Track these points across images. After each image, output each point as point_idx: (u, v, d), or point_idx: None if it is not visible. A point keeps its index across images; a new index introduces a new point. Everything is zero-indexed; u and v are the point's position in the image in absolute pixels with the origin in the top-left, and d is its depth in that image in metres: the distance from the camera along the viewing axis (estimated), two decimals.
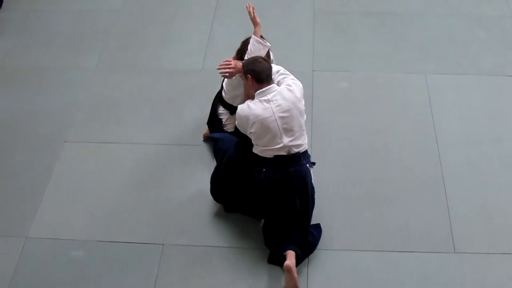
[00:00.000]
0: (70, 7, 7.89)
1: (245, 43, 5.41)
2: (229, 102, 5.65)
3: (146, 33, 7.45)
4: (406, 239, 5.26)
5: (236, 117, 4.99)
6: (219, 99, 5.78)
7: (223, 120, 5.78)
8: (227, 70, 5.09)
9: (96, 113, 6.44)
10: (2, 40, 7.44)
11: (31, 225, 5.45)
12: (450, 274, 5.02)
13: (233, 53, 5.59)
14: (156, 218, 5.47)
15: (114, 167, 5.91)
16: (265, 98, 4.85)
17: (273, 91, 4.86)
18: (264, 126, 4.83)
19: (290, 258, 4.93)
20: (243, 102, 5.14)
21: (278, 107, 4.81)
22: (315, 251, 5.17)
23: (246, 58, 5.20)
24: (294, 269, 4.87)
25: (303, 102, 4.95)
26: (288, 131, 4.85)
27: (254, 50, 5.26)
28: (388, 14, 7.54)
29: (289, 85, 4.90)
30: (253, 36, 5.29)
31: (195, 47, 7.17)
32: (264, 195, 5.06)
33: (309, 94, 6.39)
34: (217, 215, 5.47)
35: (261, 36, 5.37)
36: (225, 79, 5.60)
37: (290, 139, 4.86)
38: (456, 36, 7.20)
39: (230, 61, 5.12)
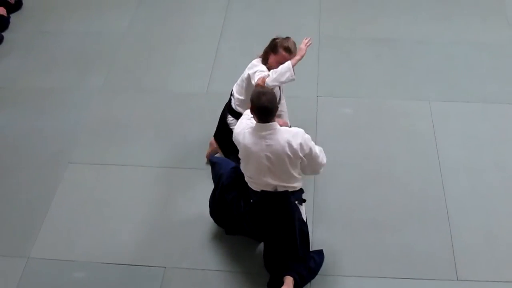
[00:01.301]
0: (76, 28, 7.94)
1: (275, 41, 5.34)
2: (237, 110, 5.62)
3: (152, 55, 7.48)
4: (409, 265, 5.24)
5: (234, 131, 4.90)
6: (228, 109, 5.76)
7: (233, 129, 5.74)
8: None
9: (101, 135, 6.45)
10: (8, 60, 7.48)
11: (33, 245, 5.44)
12: None
13: (238, 77, 5.60)
14: (158, 241, 5.46)
15: (117, 189, 5.91)
16: (261, 133, 4.69)
17: (271, 129, 4.67)
18: (251, 158, 4.73)
19: (287, 284, 4.93)
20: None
21: (268, 146, 4.66)
22: (318, 277, 5.15)
23: (270, 74, 5.16)
24: None
25: (302, 155, 4.69)
26: (273, 173, 4.72)
27: (280, 71, 5.12)
28: (393, 41, 7.58)
29: (292, 131, 4.72)
30: (290, 61, 5.15)
31: (200, 70, 7.21)
32: (250, 225, 5.04)
33: (313, 120, 6.42)
34: (219, 238, 5.46)
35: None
36: (234, 87, 5.59)
37: (273, 179, 4.75)
38: (460, 63, 7.23)
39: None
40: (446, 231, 5.49)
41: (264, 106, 4.61)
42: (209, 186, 5.76)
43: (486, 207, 5.69)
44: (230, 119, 5.75)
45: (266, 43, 5.43)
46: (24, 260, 5.34)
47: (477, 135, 6.35)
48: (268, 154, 4.66)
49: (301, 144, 4.66)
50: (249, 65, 5.43)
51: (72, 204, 5.79)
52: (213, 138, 6.02)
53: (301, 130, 4.75)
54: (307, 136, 4.73)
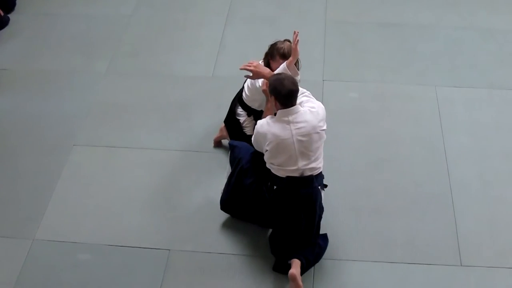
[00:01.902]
0: (81, 11, 7.92)
1: (272, 47, 5.37)
2: (248, 104, 5.65)
3: (157, 39, 7.47)
4: (413, 251, 5.25)
5: (254, 132, 4.92)
6: (238, 100, 5.77)
7: (241, 120, 5.77)
8: (248, 68, 5.10)
9: (106, 118, 6.45)
10: (14, 42, 7.47)
11: (38, 227, 5.46)
12: (456, 287, 5.00)
13: (244, 61, 5.58)
14: (163, 223, 5.48)
15: (122, 172, 5.92)
16: (286, 118, 4.75)
17: (295, 113, 4.76)
18: (280, 146, 4.76)
19: (295, 266, 4.93)
20: (263, 111, 5.13)
21: (298, 130, 4.73)
22: (322, 261, 5.16)
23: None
24: (298, 277, 4.88)
25: (325, 126, 4.87)
26: (305, 155, 4.78)
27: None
28: (399, 25, 7.54)
29: (313, 108, 4.83)
30: (285, 63, 5.11)
31: (206, 54, 7.19)
32: (271, 211, 5.05)
33: None
34: (224, 222, 5.47)
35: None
36: (247, 80, 5.60)
37: (305, 162, 4.79)
38: (467, 48, 7.20)
39: (253, 62, 5.13)
40: (451, 216, 5.49)
41: (290, 90, 4.71)
42: (215, 169, 5.80)
43: (490, 193, 5.68)
44: (239, 109, 5.77)
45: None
46: (29, 241, 5.36)
47: (483, 121, 6.33)
48: (299, 138, 4.73)
49: (323, 118, 4.85)
50: None
51: (77, 186, 5.80)
52: (223, 124, 6.00)
53: (317, 104, 4.89)
54: (322, 106, 4.92)
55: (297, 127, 4.73)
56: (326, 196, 5.25)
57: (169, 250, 5.27)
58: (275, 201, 4.96)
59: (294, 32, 5.12)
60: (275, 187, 4.94)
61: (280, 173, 4.86)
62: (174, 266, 5.16)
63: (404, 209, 5.55)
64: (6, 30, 7.64)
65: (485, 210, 5.55)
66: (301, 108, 4.80)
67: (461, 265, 5.14)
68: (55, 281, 5.09)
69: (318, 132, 4.78)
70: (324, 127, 4.85)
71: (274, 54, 5.35)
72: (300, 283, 4.87)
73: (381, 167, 5.91)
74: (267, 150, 4.84)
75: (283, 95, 4.71)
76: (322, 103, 6.32)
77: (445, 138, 6.14)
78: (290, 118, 4.74)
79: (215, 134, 6.07)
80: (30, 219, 5.53)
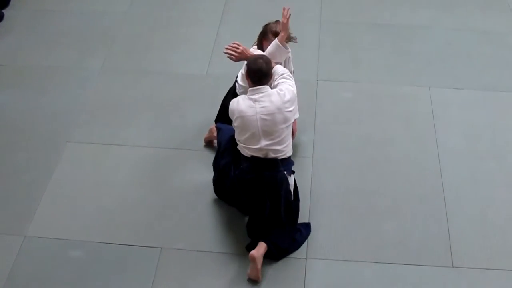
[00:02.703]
0: (77, 8, 7.92)
1: (266, 26, 5.38)
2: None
3: (152, 36, 7.47)
4: (405, 251, 5.25)
5: (229, 108, 5.05)
6: (232, 95, 5.76)
7: None
8: (233, 53, 5.17)
9: (99, 115, 6.44)
10: (8, 38, 7.46)
11: (30, 223, 5.44)
12: None
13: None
14: (155, 221, 5.47)
15: (115, 169, 5.91)
16: (253, 96, 4.90)
17: (262, 92, 4.89)
18: (245, 122, 4.89)
19: (258, 248, 5.00)
20: None
21: (263, 108, 4.85)
22: (313, 260, 5.16)
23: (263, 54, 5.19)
24: (258, 260, 4.95)
25: (292, 109, 4.93)
26: (268, 134, 4.88)
27: (271, 51, 5.19)
28: (394, 26, 7.56)
29: (281, 90, 4.92)
30: (276, 39, 5.19)
31: (200, 52, 7.19)
32: (237, 190, 5.15)
33: (312, 103, 6.41)
34: (216, 220, 5.47)
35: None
36: (239, 74, 5.61)
37: (268, 142, 4.89)
38: (461, 50, 7.22)
39: (239, 46, 5.16)
40: (443, 217, 5.50)
41: (260, 68, 4.86)
42: (207, 167, 5.79)
43: (483, 195, 5.70)
44: None
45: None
46: (20, 238, 5.34)
47: (476, 122, 6.35)
48: (263, 116, 4.85)
49: (290, 100, 4.90)
50: None
51: (70, 183, 5.79)
52: (213, 125, 5.98)
53: (285, 86, 4.94)
54: (292, 89, 4.96)
55: (262, 105, 4.86)
56: (318, 195, 5.26)
57: (161, 248, 5.26)
58: (238, 179, 5.06)
59: (284, 8, 5.14)
60: (241, 166, 5.05)
61: (245, 151, 4.98)
62: (166, 264, 5.16)
63: (396, 210, 5.56)
64: (0, 26, 7.63)
65: (477, 211, 5.56)
66: (269, 89, 4.93)
67: (452, 267, 5.15)
68: (47, 278, 5.07)
69: (282, 113, 4.87)
70: (290, 109, 4.92)
71: (267, 32, 5.40)
72: (259, 266, 4.94)
73: (374, 167, 5.91)
74: (235, 126, 4.99)
75: (253, 71, 4.89)
76: (316, 103, 6.39)
77: (438, 139, 6.15)
78: (257, 96, 4.89)
79: (206, 132, 6.07)
80: (22, 215, 5.52)
